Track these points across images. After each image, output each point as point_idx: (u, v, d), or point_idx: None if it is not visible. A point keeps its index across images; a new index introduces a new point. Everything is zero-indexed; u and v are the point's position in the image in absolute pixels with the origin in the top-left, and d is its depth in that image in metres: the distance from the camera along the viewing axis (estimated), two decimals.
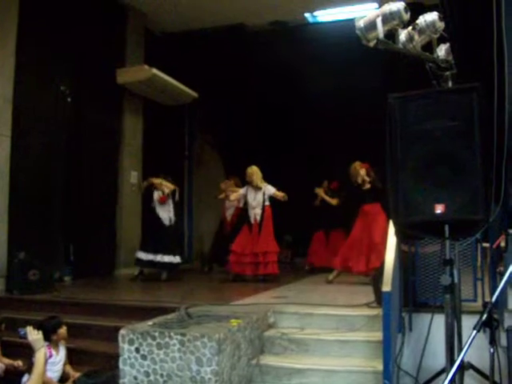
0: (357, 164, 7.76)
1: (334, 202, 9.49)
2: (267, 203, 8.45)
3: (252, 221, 8.46)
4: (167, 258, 8.67)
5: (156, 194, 8.88)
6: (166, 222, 8.84)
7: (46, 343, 4.54)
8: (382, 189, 7.26)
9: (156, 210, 8.85)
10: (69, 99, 9.09)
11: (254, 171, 8.50)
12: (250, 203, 8.50)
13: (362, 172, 7.66)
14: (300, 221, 10.75)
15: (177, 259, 8.82)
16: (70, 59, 8.97)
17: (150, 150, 10.87)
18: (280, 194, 8.37)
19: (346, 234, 9.11)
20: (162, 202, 8.78)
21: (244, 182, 8.92)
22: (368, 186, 7.62)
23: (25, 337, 4.07)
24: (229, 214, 9.92)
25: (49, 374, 4.59)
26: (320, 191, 9.68)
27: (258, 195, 8.43)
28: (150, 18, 10.75)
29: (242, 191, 8.68)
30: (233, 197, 8.91)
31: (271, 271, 8.26)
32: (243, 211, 9.01)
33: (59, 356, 4.82)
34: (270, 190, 8.44)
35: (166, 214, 8.85)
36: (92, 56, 9.27)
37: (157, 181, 8.90)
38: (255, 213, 8.44)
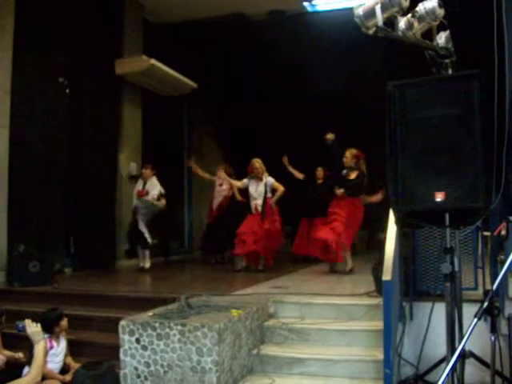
0: (353, 151, 7.78)
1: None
2: (269, 195, 8.49)
3: (253, 211, 8.52)
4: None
5: (137, 184, 8.96)
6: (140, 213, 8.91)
7: (47, 335, 4.55)
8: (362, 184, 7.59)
9: (134, 200, 8.98)
10: (67, 90, 9.04)
11: (262, 164, 8.57)
12: (252, 194, 8.57)
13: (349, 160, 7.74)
14: (300, 211, 10.74)
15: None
16: (68, 50, 8.91)
17: (149, 141, 10.84)
18: (278, 185, 8.49)
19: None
20: (139, 195, 8.82)
21: (239, 171, 8.96)
22: (353, 176, 7.65)
23: (23, 330, 4.06)
24: (216, 202, 9.92)
25: (50, 365, 4.59)
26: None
27: (260, 186, 8.50)
28: (148, 8, 10.68)
29: (245, 181, 8.70)
30: (239, 183, 8.87)
31: (266, 262, 8.48)
32: (241, 202, 9.09)
33: (60, 347, 4.82)
34: (271, 180, 8.52)
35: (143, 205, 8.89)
36: (90, 47, 9.22)
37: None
38: (256, 203, 8.53)
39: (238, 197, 9.36)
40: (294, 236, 10.22)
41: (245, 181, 8.72)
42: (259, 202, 8.51)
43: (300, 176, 9.49)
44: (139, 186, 8.97)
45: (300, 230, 9.83)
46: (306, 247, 9.48)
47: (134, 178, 9.02)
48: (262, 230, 8.30)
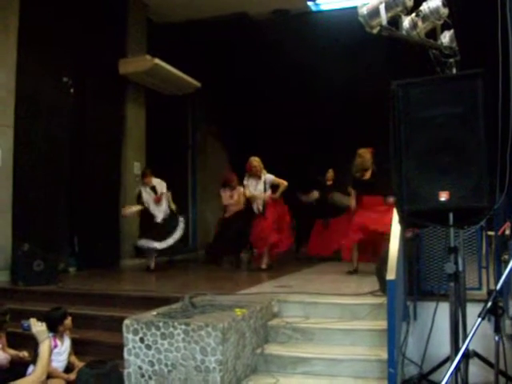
0: (366, 151, 7.51)
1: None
2: (269, 191, 8.45)
3: (256, 211, 8.50)
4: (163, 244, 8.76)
5: (145, 194, 8.79)
6: (160, 219, 8.82)
7: (51, 334, 4.56)
8: (378, 177, 7.29)
9: (151, 209, 8.80)
10: (71, 90, 9.07)
11: (260, 162, 8.51)
12: (252, 193, 8.52)
13: (368, 160, 7.48)
14: (304, 209, 10.76)
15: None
16: (73, 50, 8.93)
17: (153, 141, 10.85)
18: (280, 180, 8.45)
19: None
20: (157, 201, 8.78)
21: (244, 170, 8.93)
22: (368, 175, 7.50)
23: (28, 329, 4.07)
24: (230, 211, 9.75)
25: (54, 364, 4.61)
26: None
27: (259, 184, 8.46)
28: (152, 7, 10.70)
29: (244, 182, 8.69)
30: (248, 191, 8.72)
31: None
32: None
33: (64, 346, 4.84)
34: (270, 177, 8.49)
35: (162, 212, 8.83)
36: (94, 47, 9.24)
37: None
38: (257, 203, 8.49)
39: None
40: (300, 232, 10.29)
41: (245, 183, 8.70)
42: (259, 201, 8.49)
43: (315, 195, 9.56)
44: (149, 194, 8.79)
45: (314, 230, 9.84)
46: (321, 248, 9.52)
47: (139, 201, 8.94)
48: (267, 227, 8.29)
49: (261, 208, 8.45)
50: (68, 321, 4.91)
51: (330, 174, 9.90)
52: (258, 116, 12.59)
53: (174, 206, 9.01)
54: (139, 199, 8.84)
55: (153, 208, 8.77)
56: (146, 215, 8.86)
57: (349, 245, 7.46)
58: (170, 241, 8.70)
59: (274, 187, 8.54)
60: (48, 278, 7.12)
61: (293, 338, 4.85)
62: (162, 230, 8.74)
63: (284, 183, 8.47)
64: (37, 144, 8.24)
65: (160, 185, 8.86)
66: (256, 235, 8.50)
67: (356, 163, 7.51)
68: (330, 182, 9.83)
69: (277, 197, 8.47)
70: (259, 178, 8.48)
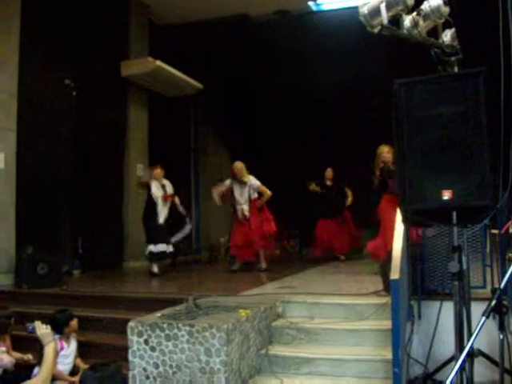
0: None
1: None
2: (254, 196, 8.38)
3: (240, 216, 8.41)
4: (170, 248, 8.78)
5: (155, 188, 8.72)
6: (162, 219, 8.74)
7: (58, 336, 4.57)
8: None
9: (157, 206, 8.71)
10: (74, 93, 9.06)
11: (242, 166, 8.36)
12: (238, 199, 8.43)
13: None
14: (306, 211, 10.75)
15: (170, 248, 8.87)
16: (74, 53, 8.95)
17: (156, 142, 10.86)
18: (264, 189, 8.35)
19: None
20: (165, 200, 8.75)
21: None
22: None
23: (33, 332, 4.08)
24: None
25: (60, 366, 4.61)
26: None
27: (244, 191, 8.37)
28: (154, 9, 10.72)
29: (227, 183, 8.58)
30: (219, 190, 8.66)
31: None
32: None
33: (70, 348, 4.84)
34: (255, 184, 8.37)
35: (165, 212, 8.75)
36: (96, 49, 9.27)
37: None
38: (243, 209, 8.36)
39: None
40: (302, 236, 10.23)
41: (226, 183, 8.57)
42: (246, 207, 8.35)
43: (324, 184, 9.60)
44: (159, 189, 8.68)
45: (333, 232, 9.69)
46: (351, 244, 9.48)
47: (145, 186, 8.88)
48: (254, 235, 8.25)
49: (247, 214, 8.33)
50: (74, 322, 4.91)
51: (329, 173, 9.73)
52: (260, 116, 12.61)
53: (181, 209, 8.97)
54: (147, 189, 8.77)
55: (159, 205, 8.67)
56: (149, 216, 8.86)
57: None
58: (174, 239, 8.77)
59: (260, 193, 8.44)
60: (52, 280, 7.13)
61: (297, 338, 4.84)
62: (167, 231, 8.76)
63: (268, 192, 8.32)
64: (39, 147, 8.26)
65: (169, 186, 8.85)
66: (240, 241, 8.39)
67: (378, 153, 7.20)
68: (329, 183, 9.71)
69: (261, 204, 8.36)
70: (244, 183, 8.34)
